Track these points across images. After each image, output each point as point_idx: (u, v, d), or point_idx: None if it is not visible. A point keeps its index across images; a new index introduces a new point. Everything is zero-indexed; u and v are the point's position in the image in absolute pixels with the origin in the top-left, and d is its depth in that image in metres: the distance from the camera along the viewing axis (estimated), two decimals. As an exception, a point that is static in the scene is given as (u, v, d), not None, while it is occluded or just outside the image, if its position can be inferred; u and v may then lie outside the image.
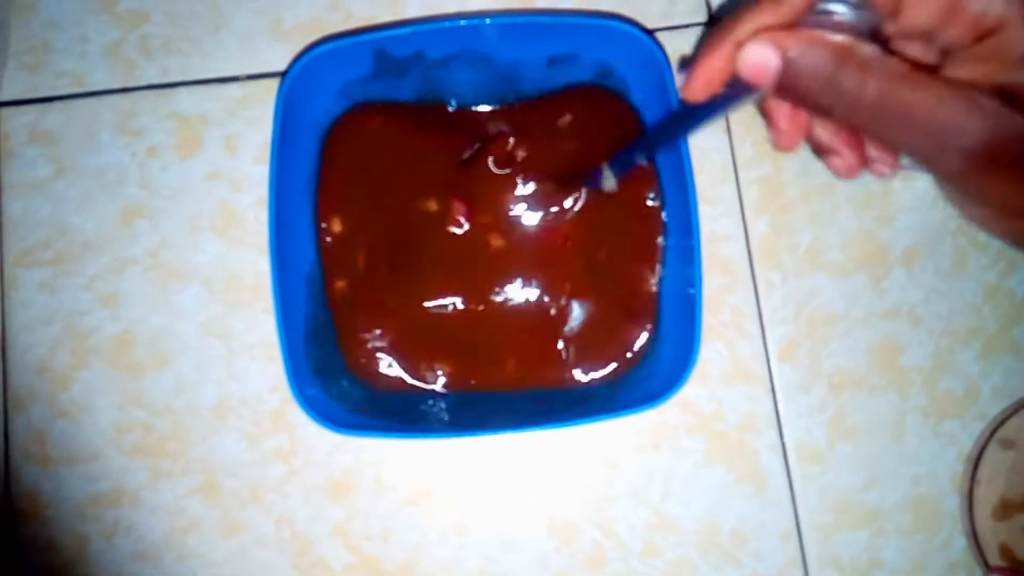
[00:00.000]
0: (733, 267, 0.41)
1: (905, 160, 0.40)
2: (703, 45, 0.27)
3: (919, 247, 0.41)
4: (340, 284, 0.39)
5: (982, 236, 0.41)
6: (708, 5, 0.42)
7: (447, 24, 0.36)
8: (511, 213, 0.38)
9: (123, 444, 0.40)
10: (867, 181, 0.42)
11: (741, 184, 0.42)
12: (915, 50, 0.27)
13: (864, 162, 0.30)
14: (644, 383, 0.37)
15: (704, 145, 0.42)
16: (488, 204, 0.38)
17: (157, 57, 0.42)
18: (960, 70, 0.25)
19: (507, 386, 0.38)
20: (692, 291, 0.35)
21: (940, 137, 0.24)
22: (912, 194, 0.42)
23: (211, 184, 0.41)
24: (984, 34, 0.24)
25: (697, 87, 0.28)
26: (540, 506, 0.40)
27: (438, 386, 0.39)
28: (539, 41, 0.37)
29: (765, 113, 0.29)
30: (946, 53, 0.25)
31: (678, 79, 0.28)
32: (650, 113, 0.38)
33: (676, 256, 0.38)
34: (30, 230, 0.41)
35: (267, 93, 0.41)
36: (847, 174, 0.30)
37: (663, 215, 0.39)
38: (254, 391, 0.40)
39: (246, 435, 0.40)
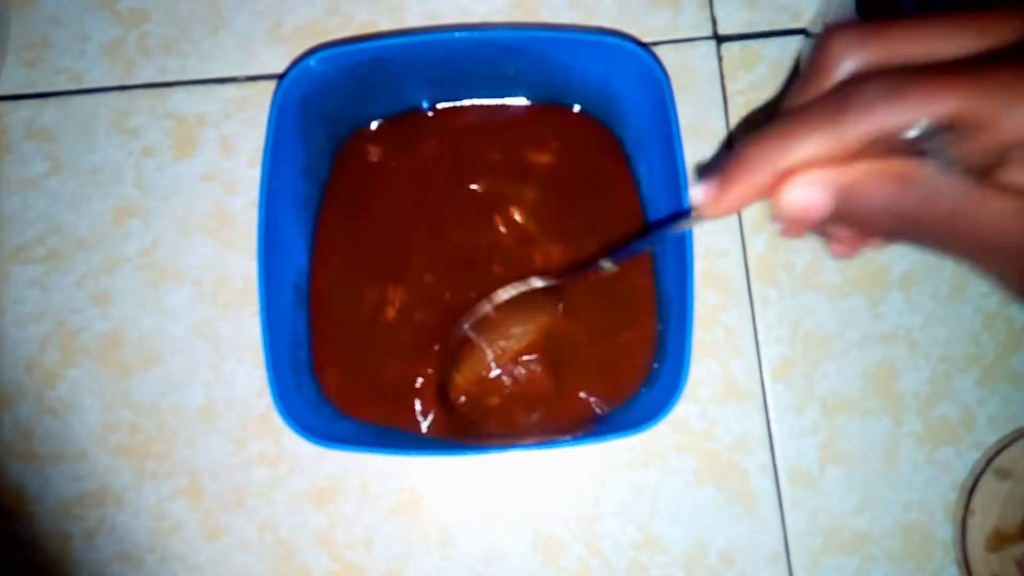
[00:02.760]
0: (729, 284, 0.41)
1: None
2: (736, 163, 0.23)
3: (917, 271, 0.41)
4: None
5: (983, 261, 0.41)
6: (713, 20, 0.42)
7: (443, 36, 0.35)
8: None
9: (109, 444, 0.40)
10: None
11: (740, 200, 0.41)
12: (976, 160, 0.24)
13: (857, 250, 0.27)
14: (633, 403, 0.37)
15: (704, 159, 0.41)
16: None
17: (156, 56, 0.42)
18: (1014, 177, 0.22)
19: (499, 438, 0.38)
20: (684, 310, 0.35)
21: (1011, 256, 0.22)
22: (913, 216, 0.41)
23: (205, 185, 0.41)
24: None
25: (722, 210, 0.24)
26: (526, 520, 0.40)
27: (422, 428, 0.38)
28: (537, 54, 0.36)
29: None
30: (1008, 158, 0.23)
31: (695, 191, 0.25)
32: (648, 131, 0.37)
33: (672, 272, 0.37)
34: (24, 226, 0.41)
35: (264, 95, 0.41)
36: (846, 255, 0.27)
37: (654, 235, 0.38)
38: (241, 395, 0.40)
39: (232, 439, 0.40)
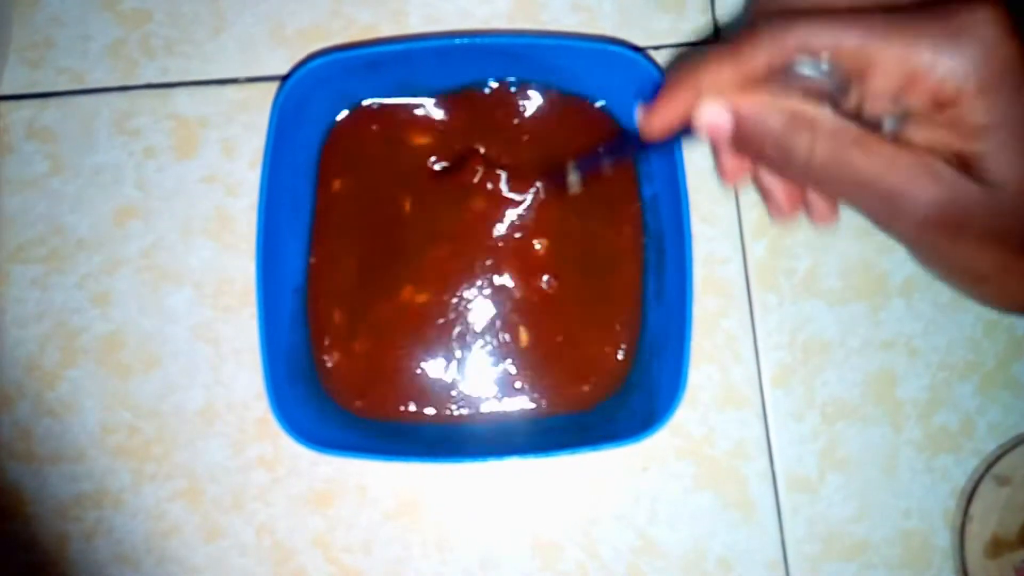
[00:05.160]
0: (729, 290, 0.41)
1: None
2: (663, 90, 0.28)
3: (919, 278, 0.41)
4: (324, 315, 0.39)
5: (984, 269, 0.41)
6: (715, 22, 0.42)
7: (443, 42, 0.35)
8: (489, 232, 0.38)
9: (108, 445, 0.40)
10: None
11: (741, 206, 0.41)
12: (882, 110, 0.26)
13: (797, 209, 0.30)
14: (632, 409, 0.37)
15: (704, 164, 0.41)
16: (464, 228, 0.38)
17: (158, 57, 0.42)
18: (921, 134, 0.25)
19: (490, 419, 0.38)
20: (683, 315, 0.35)
21: (892, 202, 0.24)
22: (914, 223, 0.41)
23: (206, 187, 0.41)
24: (943, 103, 0.24)
25: (654, 131, 0.29)
26: (525, 525, 0.40)
27: (418, 418, 0.38)
28: (538, 61, 0.36)
29: (713, 148, 0.30)
30: (909, 117, 0.25)
31: (639, 113, 0.30)
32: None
33: (673, 278, 0.37)
34: (25, 226, 0.41)
35: (266, 97, 0.40)
36: (781, 218, 0.30)
37: (646, 236, 0.39)
38: (240, 397, 0.40)
39: (231, 441, 0.40)
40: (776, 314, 0.41)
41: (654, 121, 0.29)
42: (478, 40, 0.35)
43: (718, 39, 0.42)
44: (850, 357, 0.40)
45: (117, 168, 0.41)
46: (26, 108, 0.42)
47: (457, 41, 0.35)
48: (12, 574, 0.40)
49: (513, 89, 0.39)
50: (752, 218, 0.41)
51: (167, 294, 0.41)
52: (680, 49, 0.42)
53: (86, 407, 0.40)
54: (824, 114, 0.25)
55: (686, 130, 0.28)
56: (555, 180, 0.37)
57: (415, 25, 0.42)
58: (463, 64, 0.37)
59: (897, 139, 0.25)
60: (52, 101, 0.42)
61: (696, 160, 0.41)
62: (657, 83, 0.35)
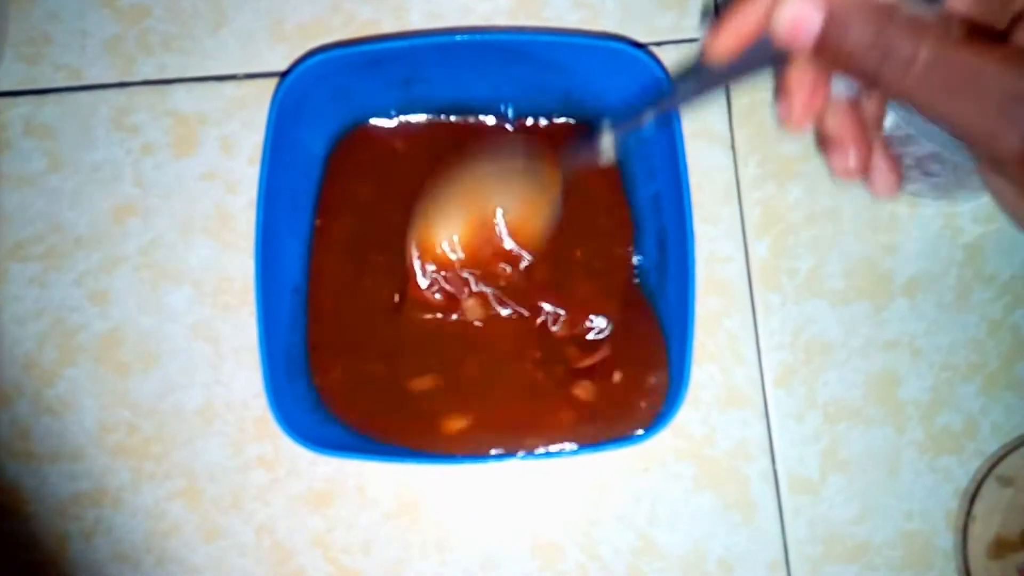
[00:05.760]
0: (731, 289, 0.41)
1: (910, 187, 0.39)
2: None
3: (922, 278, 0.40)
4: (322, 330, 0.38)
5: (988, 269, 0.40)
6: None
7: (444, 39, 0.35)
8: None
9: (107, 444, 0.40)
10: (873, 207, 0.41)
11: (744, 205, 0.41)
12: (982, 14, 0.23)
13: (866, 167, 0.26)
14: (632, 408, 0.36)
15: (707, 163, 0.41)
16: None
17: (156, 53, 0.42)
18: None
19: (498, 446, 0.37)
20: (686, 314, 0.34)
21: (1004, 114, 0.21)
22: (918, 223, 0.41)
23: (205, 184, 0.41)
24: None
25: (723, 46, 0.25)
26: (525, 525, 0.40)
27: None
28: (540, 58, 0.36)
29: (781, 83, 0.26)
30: (1019, 19, 0.22)
31: (701, 34, 0.26)
32: (650, 134, 0.37)
33: (675, 277, 0.37)
34: (22, 224, 0.41)
35: (265, 94, 0.40)
36: (845, 175, 0.26)
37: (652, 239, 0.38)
38: (239, 396, 0.40)
39: (230, 440, 0.40)
40: (778, 314, 0.40)
41: (723, 35, 0.25)
42: (479, 37, 0.35)
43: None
44: (852, 357, 0.40)
45: (115, 165, 0.41)
46: (24, 105, 0.41)
47: (459, 38, 0.35)
48: (12, 573, 0.40)
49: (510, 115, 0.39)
50: (754, 217, 0.41)
51: (166, 292, 0.40)
52: (682, 45, 0.41)
53: (85, 406, 0.40)
54: (928, 10, 0.22)
55: (755, 55, 0.25)
56: (586, 145, 0.33)
57: (416, 21, 0.41)
58: (465, 61, 0.36)
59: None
60: (50, 98, 0.41)
61: (698, 159, 0.40)
62: (659, 79, 0.35)
